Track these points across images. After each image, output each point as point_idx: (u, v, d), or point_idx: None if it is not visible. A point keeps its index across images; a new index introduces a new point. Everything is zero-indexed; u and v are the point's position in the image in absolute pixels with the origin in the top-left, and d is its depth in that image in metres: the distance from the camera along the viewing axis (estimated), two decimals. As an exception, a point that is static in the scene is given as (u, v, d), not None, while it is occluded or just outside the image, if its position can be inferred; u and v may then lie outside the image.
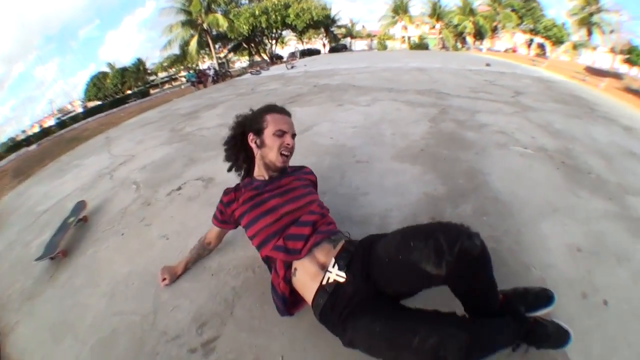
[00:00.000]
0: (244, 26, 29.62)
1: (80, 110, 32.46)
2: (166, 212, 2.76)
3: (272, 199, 1.57)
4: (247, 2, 33.02)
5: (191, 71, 26.09)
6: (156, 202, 2.97)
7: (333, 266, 1.32)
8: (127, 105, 24.44)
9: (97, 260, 2.34)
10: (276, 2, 30.93)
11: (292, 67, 15.77)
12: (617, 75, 21.50)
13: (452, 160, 3.11)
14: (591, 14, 31.27)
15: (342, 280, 1.27)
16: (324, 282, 1.29)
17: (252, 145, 1.75)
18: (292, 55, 32.28)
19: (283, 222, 1.48)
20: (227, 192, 1.74)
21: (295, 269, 1.39)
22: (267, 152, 1.68)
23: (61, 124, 23.44)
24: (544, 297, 1.41)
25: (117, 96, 33.28)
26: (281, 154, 1.66)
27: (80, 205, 3.03)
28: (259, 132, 1.73)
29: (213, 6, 29.45)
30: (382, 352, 1.08)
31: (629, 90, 17.66)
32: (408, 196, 2.53)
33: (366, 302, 1.20)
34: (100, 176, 4.05)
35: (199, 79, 17.99)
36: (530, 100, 6.46)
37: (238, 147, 1.84)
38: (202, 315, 1.66)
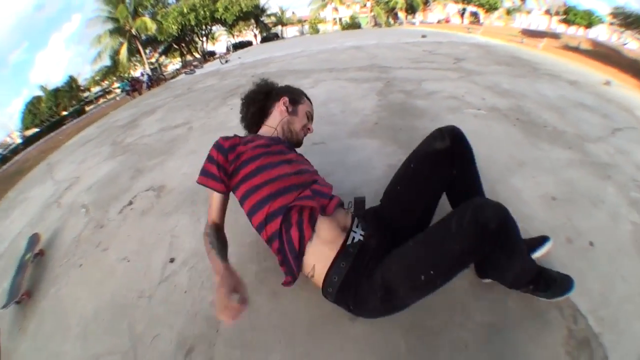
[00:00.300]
0: (173, 26, 30.35)
1: (19, 141, 30.86)
2: (121, 232, 2.57)
3: (289, 152, 1.60)
4: (174, 1, 33.89)
5: (125, 80, 25.39)
6: (109, 223, 2.77)
7: (357, 226, 1.40)
8: (64, 127, 23.36)
9: (61, 299, 2.14)
10: None
11: (226, 62, 16.01)
12: (554, 35, 23.50)
13: (409, 130, 3.20)
14: None
15: (365, 238, 1.35)
16: (349, 242, 1.33)
17: (282, 107, 1.81)
18: (227, 50, 32.17)
19: (304, 178, 1.47)
20: (224, 138, 1.57)
21: (317, 229, 1.36)
22: (294, 120, 1.80)
23: (2, 159, 21.78)
24: (540, 239, 1.62)
25: (53, 119, 32.22)
26: (303, 131, 1.85)
27: (34, 238, 2.80)
28: (295, 102, 1.87)
29: (140, 10, 29.72)
30: (425, 261, 1.15)
31: (567, 47, 19.41)
32: (373, 171, 2.58)
33: (388, 247, 1.30)
34: (47, 206, 3.74)
35: (133, 87, 17.90)
36: (472, 65, 6.84)
37: (260, 102, 1.89)
38: (187, 340, 1.57)
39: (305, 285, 1.51)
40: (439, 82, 4.97)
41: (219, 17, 32.53)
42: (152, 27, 28.74)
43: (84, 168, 4.67)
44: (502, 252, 1.17)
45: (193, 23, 31.54)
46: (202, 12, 31.16)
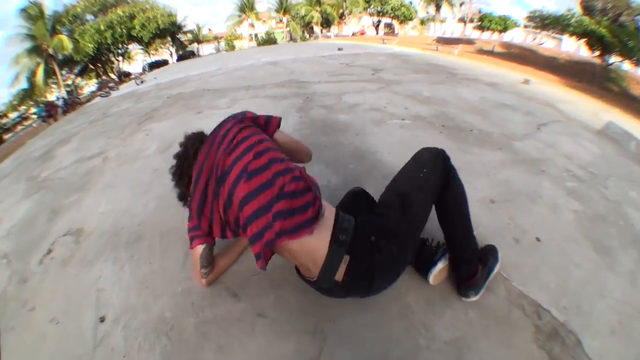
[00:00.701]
0: (90, 45, 29.94)
1: None
2: (45, 287, 2.23)
3: None
4: (93, 18, 33.21)
5: (40, 105, 23.53)
6: (32, 276, 2.39)
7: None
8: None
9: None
10: (122, 14, 31.12)
11: (141, 82, 15.45)
12: (469, 41, 25.56)
13: (334, 146, 3.20)
14: None
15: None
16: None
17: None
18: (142, 70, 31.19)
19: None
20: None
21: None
22: None
23: None
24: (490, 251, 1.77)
25: (-31, 153, 28.82)
26: None
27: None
28: None
29: (58, 27, 29.59)
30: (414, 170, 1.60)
31: (482, 52, 21.16)
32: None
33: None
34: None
35: (49, 113, 16.85)
36: (391, 75, 7.17)
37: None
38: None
39: (253, 334, 1.52)
40: (359, 95, 5.11)
41: (135, 35, 32.36)
42: (68, 46, 28.39)
43: (1, 210, 4.21)
44: (457, 187, 1.62)
45: (110, 41, 31.27)
46: (118, 30, 31.01)
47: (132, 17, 31.85)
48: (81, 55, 30.68)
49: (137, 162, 3.56)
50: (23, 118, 33.81)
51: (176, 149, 1.73)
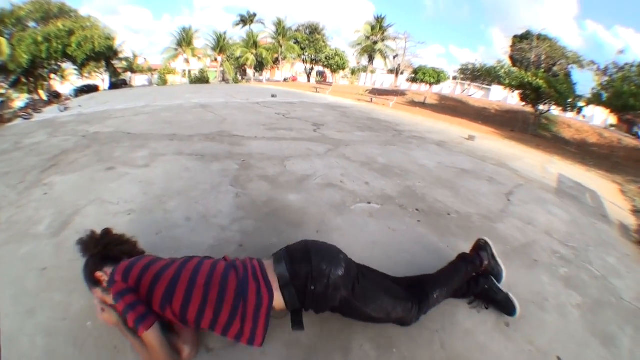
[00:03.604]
0: (25, 56, 27.82)
1: None
2: None
3: None
4: (35, 24, 31.39)
5: None
6: None
7: None
8: None
9: None
10: (61, 28, 29.45)
11: (65, 109, 13.63)
12: (400, 93, 26.13)
13: None
14: (375, 43, 40.60)
15: None
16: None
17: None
18: (68, 96, 28.98)
19: None
20: None
21: None
22: None
23: None
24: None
25: None
26: None
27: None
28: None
29: (0, 27, 28.34)
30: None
31: (414, 103, 21.73)
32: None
33: None
34: None
35: None
36: (334, 131, 6.67)
37: None
38: None
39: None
40: (306, 161, 4.40)
41: (70, 53, 30.61)
42: (5, 51, 26.69)
43: None
44: None
45: (44, 56, 29.26)
46: (55, 44, 29.15)
47: (71, 32, 30.28)
48: (15, 65, 28.74)
49: (25, 243, 2.52)
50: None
51: (73, 233, 1.91)
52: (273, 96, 14.80)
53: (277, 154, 4.63)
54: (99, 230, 1.85)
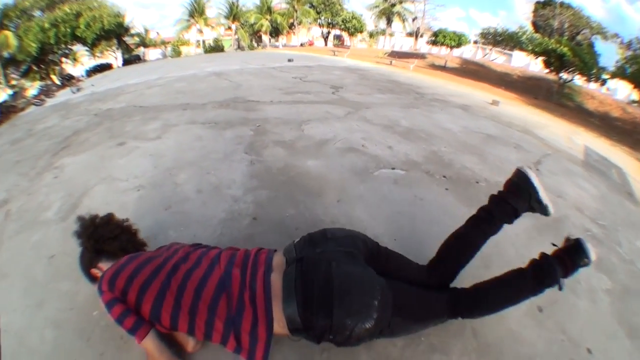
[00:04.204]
0: (33, 44, 27.43)
1: None
2: None
3: None
4: (40, 13, 30.69)
5: None
6: None
7: None
8: None
9: None
10: (68, 11, 28.87)
11: (77, 90, 13.54)
12: (420, 56, 25.38)
13: (309, 227, 2.11)
14: (393, 5, 39.34)
15: None
16: None
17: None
18: (80, 77, 29.01)
19: None
20: None
21: None
22: None
23: None
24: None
25: None
26: None
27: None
28: None
29: (5, 22, 27.69)
30: None
31: (435, 67, 21.13)
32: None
33: None
34: None
35: None
36: (354, 94, 6.36)
37: None
38: None
39: None
40: (325, 124, 4.16)
41: (79, 35, 30.05)
42: (13, 43, 26.72)
43: None
44: None
45: (53, 41, 28.75)
46: (62, 29, 28.54)
47: (78, 15, 29.62)
48: (24, 55, 28.52)
49: (35, 231, 2.41)
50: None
51: (79, 211, 1.85)
52: (289, 60, 14.42)
53: (294, 118, 4.40)
54: (99, 215, 1.71)
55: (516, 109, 8.59)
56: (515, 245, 2.15)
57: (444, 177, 2.87)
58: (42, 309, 1.77)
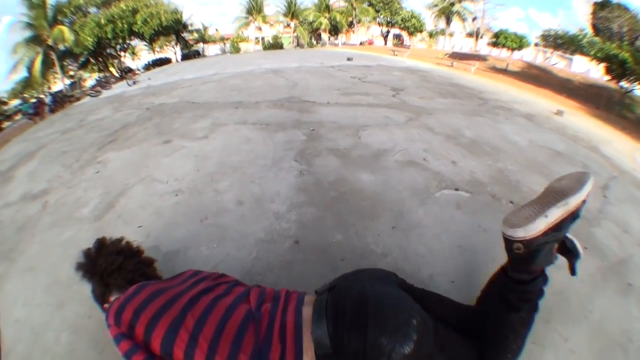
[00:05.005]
0: (89, 38, 28.42)
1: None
2: None
3: None
4: (96, 10, 31.86)
5: (25, 102, 22.73)
6: None
7: None
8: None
9: None
10: (124, 8, 29.76)
11: (133, 83, 14.02)
12: (481, 58, 24.36)
13: (358, 258, 1.86)
14: (452, 4, 38.26)
15: None
16: None
17: None
18: (136, 70, 30.28)
19: None
20: None
21: None
22: None
23: None
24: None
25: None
26: None
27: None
28: None
29: (59, 17, 28.18)
30: None
31: (496, 70, 20.20)
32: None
33: None
34: None
35: (36, 111, 15.13)
36: (415, 97, 5.96)
37: None
38: None
39: None
40: (384, 131, 3.82)
41: (137, 31, 30.95)
42: (69, 37, 27.10)
43: None
44: None
45: (110, 36, 29.66)
46: (120, 25, 29.39)
47: (134, 11, 30.47)
48: (81, 49, 29.32)
49: (68, 227, 2.36)
50: (13, 113, 33.36)
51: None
52: (349, 59, 14.04)
53: (350, 123, 4.10)
54: (103, 241, 1.59)
55: (580, 121, 7.99)
56: (579, 294, 1.80)
57: (511, 202, 2.48)
58: (62, 310, 1.73)
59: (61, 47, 28.75)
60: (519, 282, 1.24)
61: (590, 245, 2.18)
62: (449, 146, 3.48)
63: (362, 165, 2.92)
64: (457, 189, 2.56)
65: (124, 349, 1.15)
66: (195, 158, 3.24)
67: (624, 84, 15.19)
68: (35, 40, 27.36)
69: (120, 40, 32.33)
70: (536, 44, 34.09)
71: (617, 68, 14.93)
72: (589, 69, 22.73)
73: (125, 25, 29.87)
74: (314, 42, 41.90)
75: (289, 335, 1.12)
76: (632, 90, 15.40)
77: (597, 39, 19.93)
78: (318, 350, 1.08)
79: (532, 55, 31.11)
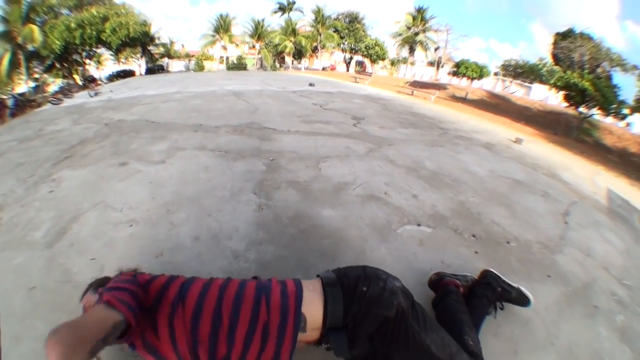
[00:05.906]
0: (57, 42, 27.67)
1: None
2: None
3: None
4: (69, 12, 31.42)
5: None
6: None
7: None
8: None
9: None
10: (95, 14, 29.27)
11: (95, 94, 13.60)
12: (441, 86, 25.22)
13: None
14: (416, 34, 40.15)
15: None
16: None
17: None
18: (99, 81, 29.42)
19: None
20: None
21: None
22: None
23: None
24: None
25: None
26: None
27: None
28: None
29: (32, 15, 27.81)
30: None
31: (455, 98, 20.92)
32: None
33: None
34: None
35: None
36: (375, 127, 6.11)
37: None
38: None
39: None
40: (344, 163, 3.87)
41: (104, 39, 30.46)
42: (38, 37, 26.72)
43: None
44: None
45: (78, 42, 29.14)
46: (88, 31, 28.88)
47: (105, 19, 30.12)
48: (48, 51, 28.75)
49: (20, 252, 2.22)
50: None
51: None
52: (311, 85, 14.32)
53: (311, 153, 4.14)
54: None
55: (539, 148, 8.25)
56: (545, 322, 1.90)
57: (473, 236, 2.54)
58: (19, 345, 1.61)
59: (29, 47, 28.23)
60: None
61: (553, 273, 2.29)
62: (410, 179, 3.55)
63: (323, 199, 2.92)
64: (419, 224, 2.61)
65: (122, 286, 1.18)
66: (151, 185, 3.15)
67: (583, 109, 15.96)
68: (6, 36, 26.80)
69: (87, 47, 31.92)
70: (496, 74, 35.63)
71: (577, 95, 15.68)
72: (547, 96, 23.92)
73: (94, 32, 29.51)
74: (278, 65, 42.35)
75: (289, 286, 1.33)
76: (591, 115, 16.17)
77: (557, 67, 20.92)
78: (324, 280, 1.37)
79: (492, 84, 32.62)
